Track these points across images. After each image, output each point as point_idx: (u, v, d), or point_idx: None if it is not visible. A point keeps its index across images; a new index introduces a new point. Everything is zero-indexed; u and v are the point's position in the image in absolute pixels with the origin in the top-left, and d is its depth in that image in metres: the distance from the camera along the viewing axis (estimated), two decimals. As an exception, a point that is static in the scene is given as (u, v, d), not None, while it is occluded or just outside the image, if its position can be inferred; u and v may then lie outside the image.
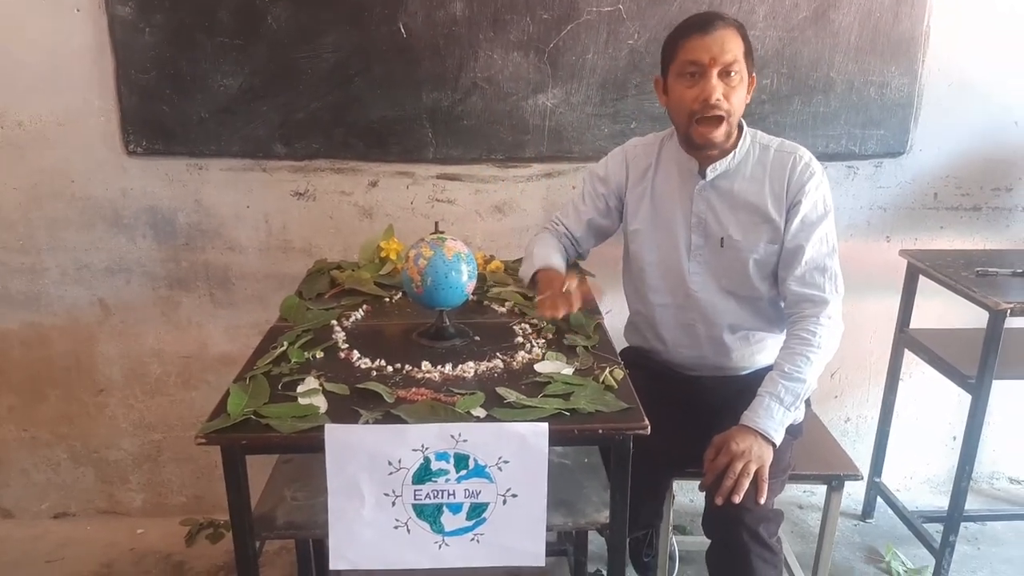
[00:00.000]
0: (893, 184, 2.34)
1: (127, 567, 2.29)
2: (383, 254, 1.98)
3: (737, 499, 1.53)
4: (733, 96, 1.59)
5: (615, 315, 2.01)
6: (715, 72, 1.57)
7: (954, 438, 2.59)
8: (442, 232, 1.59)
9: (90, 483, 2.51)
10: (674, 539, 2.03)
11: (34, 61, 2.10)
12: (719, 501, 1.55)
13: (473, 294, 1.62)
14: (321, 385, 1.37)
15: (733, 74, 1.58)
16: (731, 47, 1.56)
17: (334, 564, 1.28)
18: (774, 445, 1.58)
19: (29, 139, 2.17)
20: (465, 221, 2.30)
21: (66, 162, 2.20)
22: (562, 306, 1.58)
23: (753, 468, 1.54)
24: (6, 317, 2.33)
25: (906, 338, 2.30)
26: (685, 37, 1.59)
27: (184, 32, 2.07)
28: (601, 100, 2.18)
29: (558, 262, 1.80)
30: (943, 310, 2.34)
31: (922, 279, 2.22)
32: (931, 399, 2.55)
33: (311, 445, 1.23)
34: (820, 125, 2.23)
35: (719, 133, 1.61)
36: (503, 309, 1.79)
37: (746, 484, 1.53)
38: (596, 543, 2.15)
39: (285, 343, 1.52)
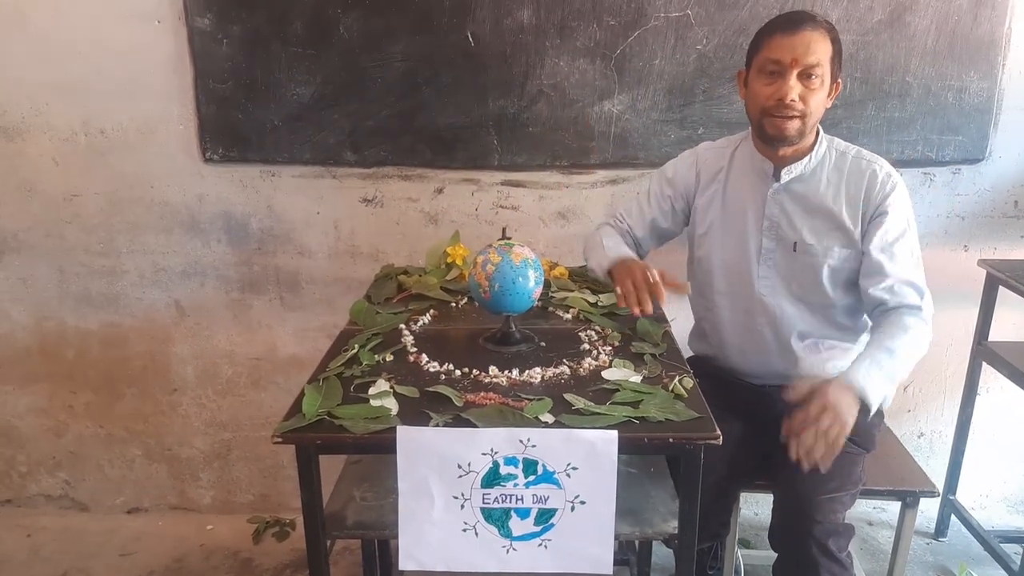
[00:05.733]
0: (971, 192, 2.26)
1: (197, 562, 2.35)
2: (449, 259, 2.00)
3: (806, 465, 1.42)
4: (811, 98, 1.57)
5: (678, 323, 1.99)
6: (795, 73, 1.55)
7: (1034, 456, 2.50)
8: (509, 238, 1.60)
9: (163, 479, 2.59)
10: (739, 552, 2.00)
11: (117, 71, 2.18)
12: (794, 456, 1.43)
13: (538, 300, 1.62)
14: (392, 387, 1.38)
15: (814, 77, 1.56)
16: (816, 49, 1.54)
17: (403, 564, 1.29)
18: (867, 410, 1.47)
19: (111, 146, 2.26)
20: (529, 227, 2.30)
21: (146, 169, 2.27)
22: (648, 300, 1.54)
23: (835, 432, 1.40)
24: (87, 317, 2.42)
25: (984, 351, 2.21)
26: (771, 34, 1.58)
27: (259, 42, 2.13)
28: (668, 106, 2.16)
29: (631, 253, 1.77)
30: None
31: (1002, 290, 2.14)
32: (1010, 415, 2.45)
33: (383, 446, 1.25)
34: (895, 131, 2.17)
35: (791, 126, 1.59)
36: (568, 315, 1.79)
37: (821, 450, 1.40)
38: (658, 554, 2.13)
39: (356, 346, 1.54)
